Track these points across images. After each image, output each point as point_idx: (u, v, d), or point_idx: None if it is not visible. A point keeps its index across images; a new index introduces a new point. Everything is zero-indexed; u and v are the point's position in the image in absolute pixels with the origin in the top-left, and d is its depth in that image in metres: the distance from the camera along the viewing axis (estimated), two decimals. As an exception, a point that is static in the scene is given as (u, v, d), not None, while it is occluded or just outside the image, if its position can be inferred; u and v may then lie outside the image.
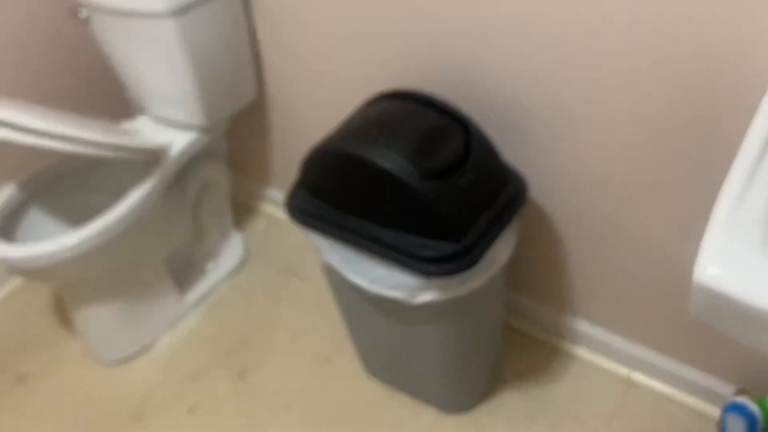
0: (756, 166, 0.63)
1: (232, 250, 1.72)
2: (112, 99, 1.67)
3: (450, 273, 1.00)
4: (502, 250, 1.10)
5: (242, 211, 1.82)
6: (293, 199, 1.13)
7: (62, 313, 1.62)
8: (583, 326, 1.37)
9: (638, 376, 1.34)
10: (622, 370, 1.36)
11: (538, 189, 1.22)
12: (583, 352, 1.40)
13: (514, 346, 1.44)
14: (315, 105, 1.45)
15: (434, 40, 1.15)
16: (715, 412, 1.26)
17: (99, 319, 1.49)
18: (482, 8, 1.06)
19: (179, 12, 1.26)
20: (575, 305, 1.36)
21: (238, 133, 1.66)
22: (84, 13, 1.39)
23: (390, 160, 0.98)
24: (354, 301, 1.21)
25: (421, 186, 0.98)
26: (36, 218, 1.43)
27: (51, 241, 1.27)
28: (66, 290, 1.46)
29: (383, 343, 1.28)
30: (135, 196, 1.36)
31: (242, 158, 1.77)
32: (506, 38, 1.06)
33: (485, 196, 1.05)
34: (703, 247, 0.59)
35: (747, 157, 0.64)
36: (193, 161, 1.51)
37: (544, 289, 1.38)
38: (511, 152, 1.18)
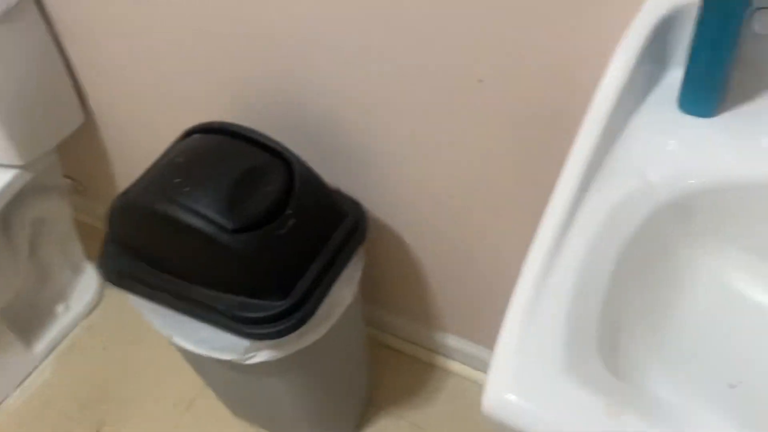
0: (552, 257, 0.54)
1: (84, 286, 1.56)
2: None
3: (276, 335, 0.89)
4: (343, 292, 1.00)
5: (96, 239, 1.65)
6: (105, 258, 0.99)
7: None
8: (453, 341, 1.30)
9: (516, 390, 1.27)
10: (500, 385, 1.29)
11: (382, 210, 1.12)
12: (457, 368, 1.32)
13: (387, 364, 1.36)
14: (146, 127, 1.30)
15: (254, 64, 1.02)
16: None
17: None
18: (304, 31, 0.93)
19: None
20: (443, 320, 1.28)
21: (79, 156, 1.49)
22: None
23: (194, 213, 0.86)
24: (194, 356, 1.09)
25: (232, 241, 0.86)
26: None
27: None
28: None
29: (237, 392, 1.17)
30: (-55, 252, 1.19)
31: (89, 181, 1.60)
32: (332, 61, 0.94)
33: (314, 239, 0.94)
34: (493, 365, 0.49)
35: (542, 247, 0.54)
36: (18, 200, 1.33)
37: (410, 304, 1.30)
38: (350, 178, 1.07)
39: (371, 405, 1.31)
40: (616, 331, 0.54)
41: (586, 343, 0.50)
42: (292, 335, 0.92)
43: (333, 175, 1.09)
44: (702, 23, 0.56)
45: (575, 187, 0.57)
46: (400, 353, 1.38)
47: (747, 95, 0.62)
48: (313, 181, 0.95)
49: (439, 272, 1.19)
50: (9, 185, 1.28)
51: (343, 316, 1.01)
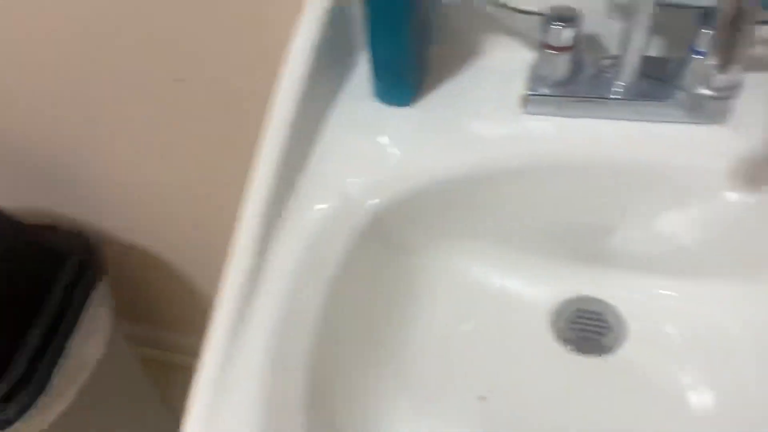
0: (241, 316, 0.44)
1: None
2: None
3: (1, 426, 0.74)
4: (89, 344, 0.85)
5: None
6: None
7: None
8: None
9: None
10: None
11: (126, 229, 0.97)
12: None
13: (186, 386, 1.23)
14: None
15: None
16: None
17: None
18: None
19: None
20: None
21: None
22: None
23: None
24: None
25: None
26: None
27: None
28: None
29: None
30: None
31: None
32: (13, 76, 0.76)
33: (27, 298, 0.78)
34: None
35: (228, 307, 0.44)
36: None
37: (190, 316, 1.18)
38: (72, 206, 0.91)
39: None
40: (333, 392, 0.45)
41: (291, 420, 0.41)
42: (29, 414, 0.77)
43: (50, 208, 0.93)
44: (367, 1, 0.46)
45: (262, 212, 0.47)
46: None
47: (448, 72, 0.54)
48: (8, 229, 0.78)
49: (204, 277, 1.08)
50: None
51: (97, 369, 0.86)
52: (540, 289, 0.57)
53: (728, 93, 0.41)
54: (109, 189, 0.89)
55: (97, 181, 0.88)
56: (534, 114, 0.51)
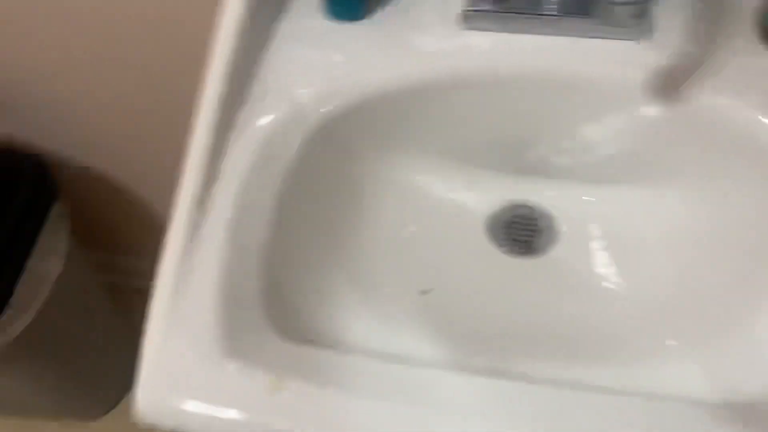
0: (198, 217, 0.47)
1: None
2: None
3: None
4: (46, 263, 0.87)
5: None
6: None
7: None
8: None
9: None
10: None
11: (83, 153, 0.98)
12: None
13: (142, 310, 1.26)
14: None
15: None
16: None
17: None
18: None
19: None
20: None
21: None
22: None
23: None
24: None
25: None
26: None
27: None
28: None
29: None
30: None
31: None
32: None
33: None
34: (143, 362, 0.43)
35: (184, 212, 0.47)
36: None
37: (153, 241, 1.19)
38: (26, 130, 0.92)
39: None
40: (289, 283, 0.49)
41: (249, 311, 0.45)
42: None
43: (3, 131, 0.93)
44: None
45: (214, 123, 0.50)
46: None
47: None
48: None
49: (161, 200, 1.08)
50: None
51: (57, 285, 0.89)
52: (477, 196, 0.61)
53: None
54: (60, 111, 0.90)
55: (49, 104, 0.89)
56: (472, 29, 0.54)
